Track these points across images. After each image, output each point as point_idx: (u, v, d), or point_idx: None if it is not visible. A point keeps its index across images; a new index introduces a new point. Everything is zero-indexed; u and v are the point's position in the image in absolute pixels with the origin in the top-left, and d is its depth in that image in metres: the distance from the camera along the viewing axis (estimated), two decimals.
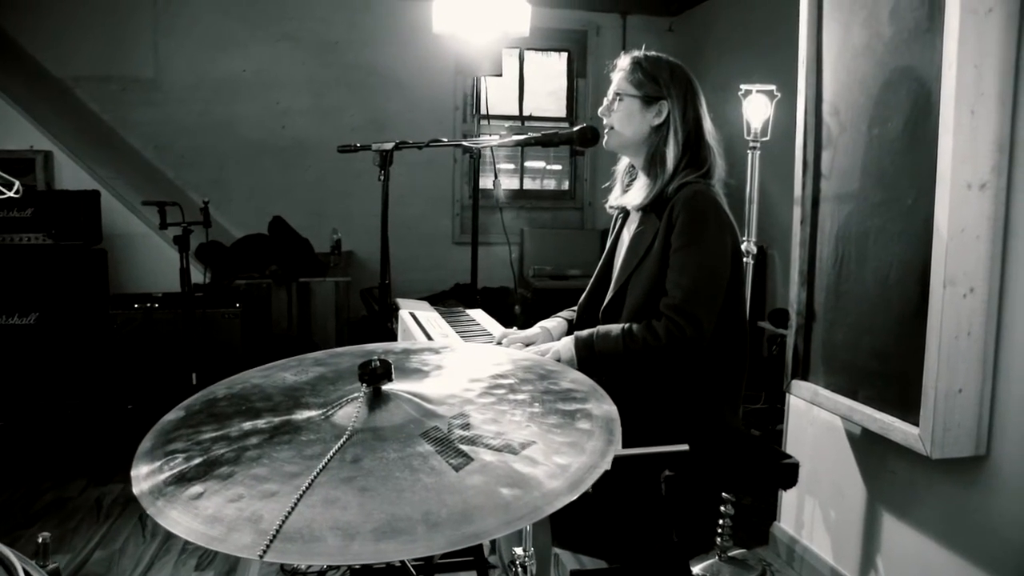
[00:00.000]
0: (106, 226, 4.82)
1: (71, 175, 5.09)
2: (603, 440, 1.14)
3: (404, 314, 2.69)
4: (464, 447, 1.10)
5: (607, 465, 1.09)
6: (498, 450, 1.10)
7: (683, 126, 2.05)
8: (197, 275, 4.79)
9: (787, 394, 2.85)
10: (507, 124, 6.87)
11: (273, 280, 5.27)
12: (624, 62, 2.12)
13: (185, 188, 6.04)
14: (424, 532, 0.94)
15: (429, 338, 2.33)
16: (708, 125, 2.10)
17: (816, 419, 2.80)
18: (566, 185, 7.27)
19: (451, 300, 5.94)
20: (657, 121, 2.05)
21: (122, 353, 4.54)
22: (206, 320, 4.56)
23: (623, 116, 2.08)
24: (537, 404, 1.24)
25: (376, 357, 1.22)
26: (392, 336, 2.83)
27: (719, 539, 2.94)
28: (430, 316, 2.66)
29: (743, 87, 2.97)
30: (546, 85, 7.15)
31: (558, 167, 7.25)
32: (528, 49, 6.86)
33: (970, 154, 1.98)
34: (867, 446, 2.57)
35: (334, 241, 6.04)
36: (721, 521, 2.91)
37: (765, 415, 4.46)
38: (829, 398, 2.50)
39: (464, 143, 2.50)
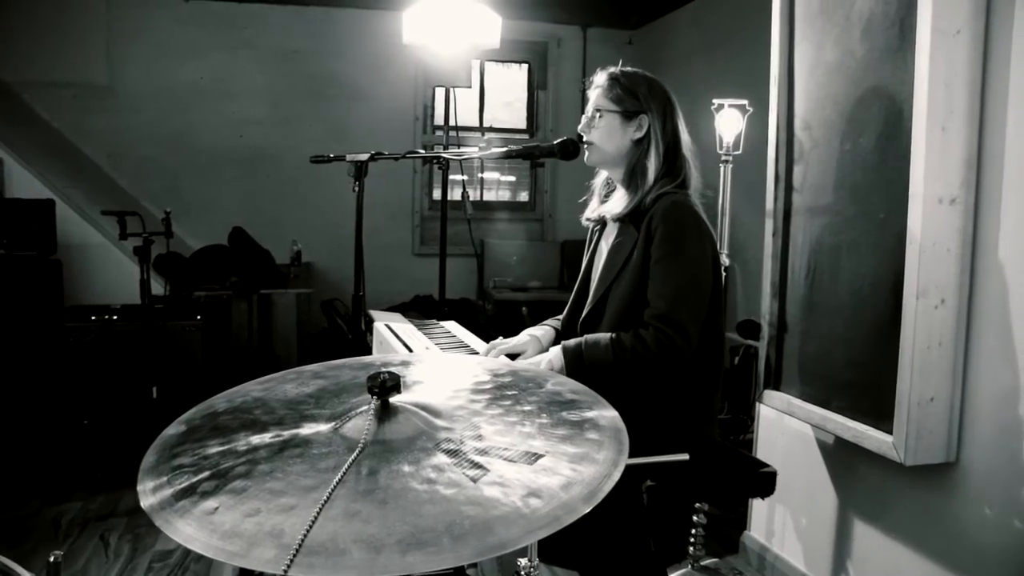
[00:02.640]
0: (61, 236, 4.70)
1: (22, 183, 4.96)
2: (614, 450, 1.15)
3: (380, 326, 2.67)
4: (478, 458, 1.10)
5: (619, 474, 1.10)
6: (512, 461, 1.10)
7: (663, 138, 2.08)
8: (156, 287, 4.69)
9: (758, 404, 2.89)
10: (471, 135, 6.86)
11: (233, 292, 5.18)
12: (601, 79, 2.14)
13: (141, 198, 5.91)
14: (449, 543, 0.94)
15: (410, 351, 2.32)
16: (685, 137, 2.14)
17: (787, 428, 2.85)
18: (521, 196, 7.28)
19: (412, 312, 5.89)
20: (638, 135, 2.09)
21: (78, 367, 4.42)
22: (166, 333, 4.47)
23: (604, 132, 2.11)
24: (545, 415, 1.24)
25: (384, 369, 1.21)
26: (365, 348, 2.80)
27: (691, 548, 2.97)
28: (406, 328, 2.65)
29: (716, 101, 3.02)
30: (502, 96, 7.17)
31: (512, 178, 7.27)
32: (489, 60, 6.89)
33: (941, 170, 2.05)
34: (839, 454, 2.63)
35: (294, 252, 5.96)
36: (693, 530, 2.94)
37: (730, 425, 4.52)
38: (802, 408, 2.55)
39: (444, 154, 2.49)
